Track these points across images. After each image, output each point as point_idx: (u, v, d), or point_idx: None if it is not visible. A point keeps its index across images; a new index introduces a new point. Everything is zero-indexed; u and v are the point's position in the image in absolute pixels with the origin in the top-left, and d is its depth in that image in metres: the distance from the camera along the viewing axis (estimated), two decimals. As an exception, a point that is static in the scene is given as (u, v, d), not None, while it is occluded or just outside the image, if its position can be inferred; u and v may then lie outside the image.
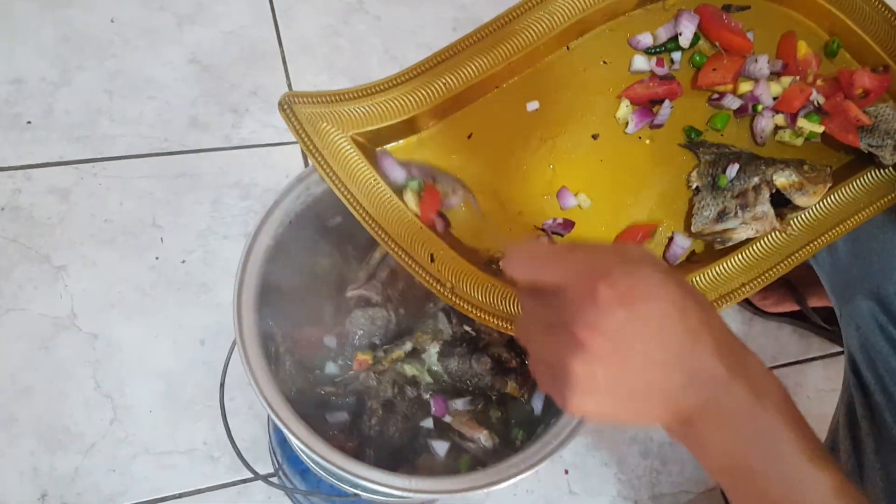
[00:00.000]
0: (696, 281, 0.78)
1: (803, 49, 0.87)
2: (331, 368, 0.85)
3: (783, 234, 0.79)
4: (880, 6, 0.87)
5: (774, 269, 0.79)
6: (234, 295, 0.76)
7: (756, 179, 0.77)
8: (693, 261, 0.81)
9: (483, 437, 0.82)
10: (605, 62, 0.87)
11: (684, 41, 0.86)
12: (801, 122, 0.83)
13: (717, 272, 0.78)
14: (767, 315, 1.54)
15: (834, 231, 0.80)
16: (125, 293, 1.29)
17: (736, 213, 0.77)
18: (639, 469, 1.37)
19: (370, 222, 0.76)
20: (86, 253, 1.30)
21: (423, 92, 0.80)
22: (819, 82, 0.85)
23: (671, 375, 0.49)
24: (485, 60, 0.82)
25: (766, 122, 0.84)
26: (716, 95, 0.85)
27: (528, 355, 0.57)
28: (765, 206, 0.77)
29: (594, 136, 0.84)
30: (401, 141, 0.81)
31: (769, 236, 0.79)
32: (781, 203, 0.78)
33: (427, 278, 0.74)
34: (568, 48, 0.87)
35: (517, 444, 0.83)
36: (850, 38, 0.88)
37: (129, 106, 1.42)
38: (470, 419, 0.84)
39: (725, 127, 0.84)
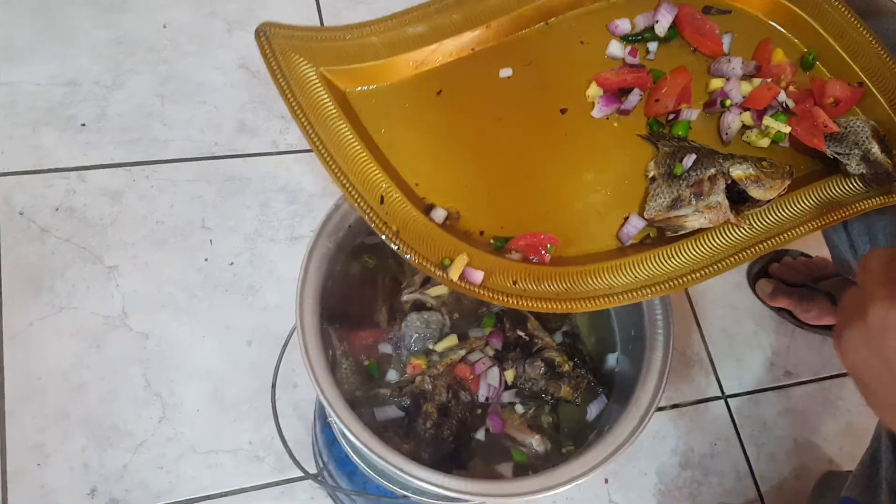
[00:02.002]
0: (648, 260, 0.78)
1: (779, 56, 0.88)
2: (387, 372, 0.86)
3: (737, 229, 0.79)
4: (858, 24, 0.88)
5: (721, 263, 0.78)
6: (297, 295, 0.78)
7: (713, 170, 0.77)
8: (646, 243, 0.81)
9: (535, 442, 0.83)
10: (582, 42, 0.88)
11: (660, 29, 0.88)
12: (768, 121, 0.83)
13: (667, 254, 0.79)
14: (809, 328, 1.53)
15: (791, 233, 0.80)
16: (175, 294, 1.31)
17: (689, 201, 0.77)
18: (679, 480, 1.37)
19: (327, 157, 0.76)
20: (137, 254, 1.32)
21: (396, 41, 0.82)
22: (791, 88, 0.86)
23: None
24: (461, 17, 0.83)
25: (732, 118, 0.84)
26: (671, 116, 0.86)
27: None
28: (719, 197, 0.76)
29: (562, 111, 0.85)
30: (371, 87, 0.82)
31: (723, 231, 0.79)
32: (741, 200, 0.78)
33: (374, 218, 0.74)
34: (547, 24, 0.88)
35: (564, 451, 0.84)
36: (826, 53, 0.90)
37: (180, 110, 1.44)
38: (522, 423, 0.84)
39: (687, 133, 0.85)
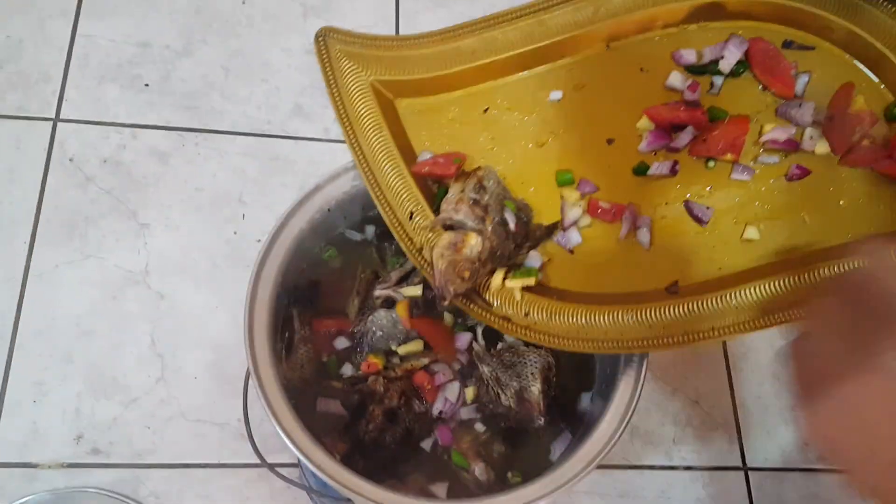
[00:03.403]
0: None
1: (859, 103, 0.79)
2: (342, 366, 0.83)
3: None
4: None
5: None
6: (252, 274, 0.76)
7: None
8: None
9: (479, 469, 0.78)
10: (642, 69, 0.83)
11: (725, 66, 0.82)
12: None
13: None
14: None
15: None
16: (198, 260, 1.32)
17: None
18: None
19: (364, 165, 0.77)
20: (171, 216, 1.34)
21: (449, 55, 0.80)
22: (865, 142, 0.77)
23: None
24: (518, 36, 0.80)
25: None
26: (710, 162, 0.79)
27: (813, 334, 0.54)
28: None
29: (609, 141, 0.80)
30: (419, 98, 0.81)
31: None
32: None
33: (401, 233, 0.74)
34: (609, 47, 0.83)
35: (510, 477, 0.79)
36: None
37: (242, 85, 1.46)
38: (471, 446, 0.80)
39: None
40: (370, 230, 0.87)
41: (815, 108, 0.80)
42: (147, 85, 1.43)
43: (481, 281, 0.72)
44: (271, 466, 0.92)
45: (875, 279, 0.50)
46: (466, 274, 0.68)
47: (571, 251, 0.77)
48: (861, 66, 0.83)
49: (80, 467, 1.16)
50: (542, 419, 0.80)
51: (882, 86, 0.82)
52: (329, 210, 0.82)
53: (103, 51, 1.44)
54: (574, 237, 0.78)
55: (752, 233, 0.77)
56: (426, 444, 0.80)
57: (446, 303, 0.70)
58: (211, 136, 1.41)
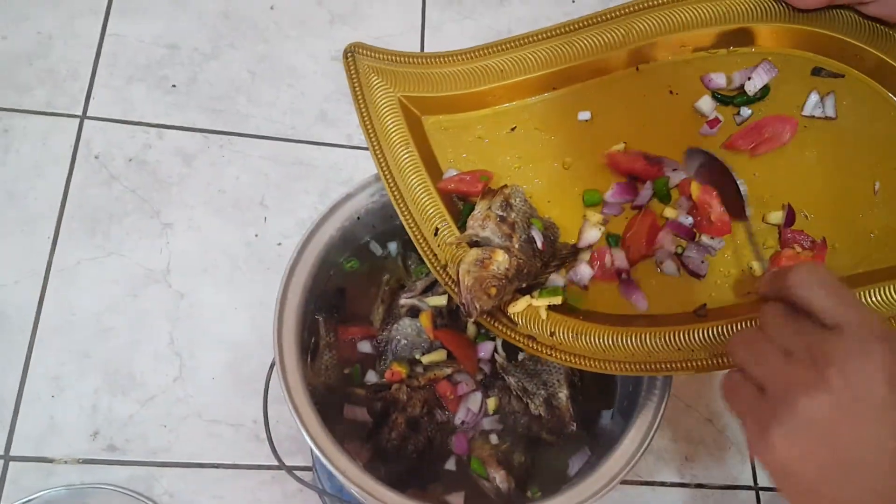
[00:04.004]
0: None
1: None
2: (366, 373, 0.84)
3: None
4: None
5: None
6: (283, 280, 0.77)
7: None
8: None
9: (500, 478, 0.79)
10: (671, 92, 0.83)
11: (751, 87, 0.82)
12: None
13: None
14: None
15: None
16: (219, 261, 1.33)
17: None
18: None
19: (390, 181, 0.77)
20: (194, 216, 1.35)
21: (478, 73, 0.80)
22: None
23: (889, 481, 0.45)
24: (547, 56, 0.81)
25: None
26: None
27: (737, 368, 0.54)
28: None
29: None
30: (446, 115, 0.81)
31: None
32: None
33: (425, 249, 0.74)
34: (638, 69, 0.83)
35: (529, 495, 0.79)
36: None
37: (267, 90, 1.48)
38: (491, 455, 0.80)
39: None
40: (392, 246, 0.89)
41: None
42: (174, 86, 1.44)
43: (507, 299, 0.72)
44: (289, 469, 0.92)
45: (805, 290, 0.51)
46: (493, 291, 0.68)
47: (585, 287, 0.76)
48: (891, 95, 0.83)
49: (96, 463, 1.17)
50: (574, 425, 0.80)
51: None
52: (359, 218, 0.82)
53: (132, 50, 1.45)
54: (584, 272, 0.76)
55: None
56: (450, 465, 0.80)
57: (472, 319, 0.70)
58: (235, 138, 1.42)
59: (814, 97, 0.82)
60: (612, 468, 0.74)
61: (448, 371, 0.82)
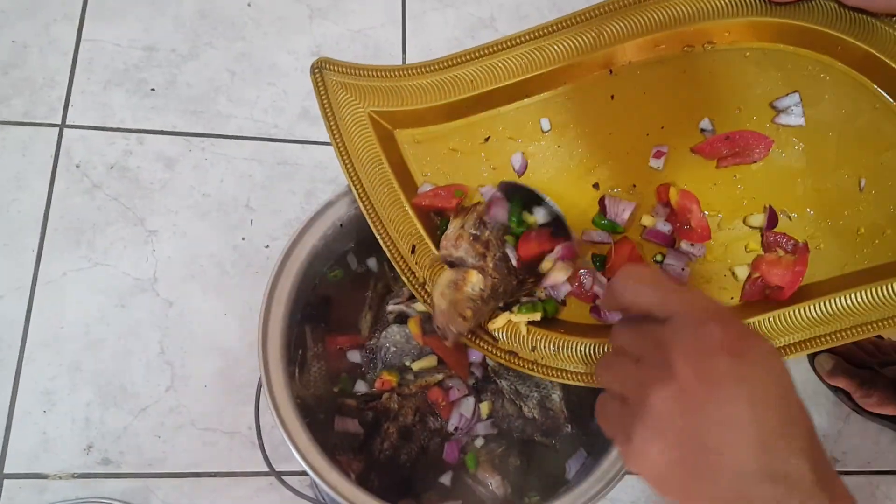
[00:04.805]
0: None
1: None
2: (355, 383, 0.82)
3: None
4: None
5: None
6: (265, 292, 0.75)
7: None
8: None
9: (495, 483, 0.78)
10: (645, 93, 0.80)
11: None
12: None
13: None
14: (867, 414, 1.40)
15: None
16: (206, 267, 1.32)
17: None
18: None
19: (364, 199, 0.75)
20: (178, 222, 1.34)
21: (448, 84, 0.78)
22: None
23: (755, 456, 0.43)
24: (515, 64, 0.78)
25: None
26: None
27: (605, 388, 0.53)
28: None
29: (595, 186, 0.78)
30: (419, 129, 0.79)
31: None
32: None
33: (403, 267, 0.73)
34: (611, 72, 0.81)
35: (527, 501, 0.78)
36: None
37: (248, 89, 1.45)
38: (487, 460, 0.79)
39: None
40: (372, 262, 0.87)
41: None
42: (153, 89, 1.42)
43: (484, 319, 0.70)
44: (280, 477, 0.91)
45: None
46: (468, 313, 0.66)
47: (563, 302, 0.75)
48: (875, 87, 0.81)
49: (91, 477, 1.16)
50: (570, 426, 0.80)
51: (897, 106, 0.80)
52: (341, 226, 0.81)
53: (108, 55, 1.43)
54: (562, 288, 0.73)
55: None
56: (440, 465, 0.79)
57: (448, 343, 0.69)
58: (217, 140, 1.40)
59: (794, 97, 0.79)
60: (609, 470, 0.73)
61: (439, 377, 0.81)
